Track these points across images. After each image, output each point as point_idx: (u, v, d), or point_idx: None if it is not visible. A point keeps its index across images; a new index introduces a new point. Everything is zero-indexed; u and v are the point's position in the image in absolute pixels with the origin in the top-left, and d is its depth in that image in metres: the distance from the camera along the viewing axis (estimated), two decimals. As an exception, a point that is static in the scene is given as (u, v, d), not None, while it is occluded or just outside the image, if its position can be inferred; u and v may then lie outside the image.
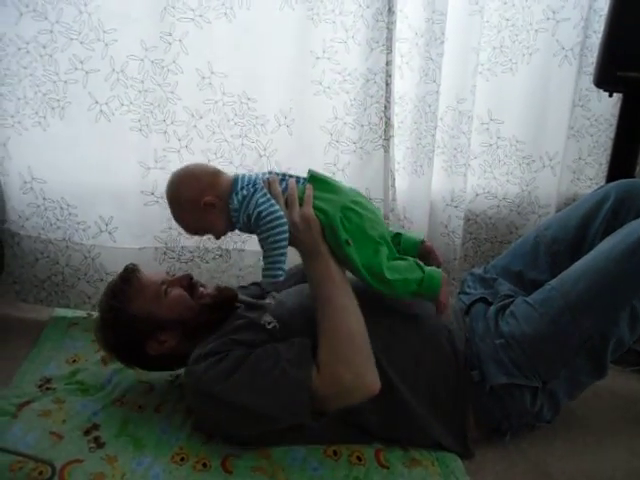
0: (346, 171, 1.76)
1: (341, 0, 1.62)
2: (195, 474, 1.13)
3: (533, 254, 1.45)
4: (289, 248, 1.14)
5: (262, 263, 1.14)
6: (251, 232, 1.19)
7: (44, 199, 1.65)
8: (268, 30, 1.60)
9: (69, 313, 1.76)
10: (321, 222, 1.15)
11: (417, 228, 1.88)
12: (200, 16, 1.55)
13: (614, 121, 1.87)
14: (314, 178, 1.22)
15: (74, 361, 1.51)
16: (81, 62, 1.54)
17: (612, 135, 1.86)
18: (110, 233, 1.69)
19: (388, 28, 1.62)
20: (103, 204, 1.67)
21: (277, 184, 1.17)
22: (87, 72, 1.55)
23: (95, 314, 1.72)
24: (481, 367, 1.23)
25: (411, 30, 1.73)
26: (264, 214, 1.12)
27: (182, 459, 1.17)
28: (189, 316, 1.25)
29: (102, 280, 1.70)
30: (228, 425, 1.17)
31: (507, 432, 1.26)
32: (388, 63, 1.65)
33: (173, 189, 1.20)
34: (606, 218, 1.36)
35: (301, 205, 1.16)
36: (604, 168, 1.97)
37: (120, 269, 1.30)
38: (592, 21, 1.82)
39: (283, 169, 1.71)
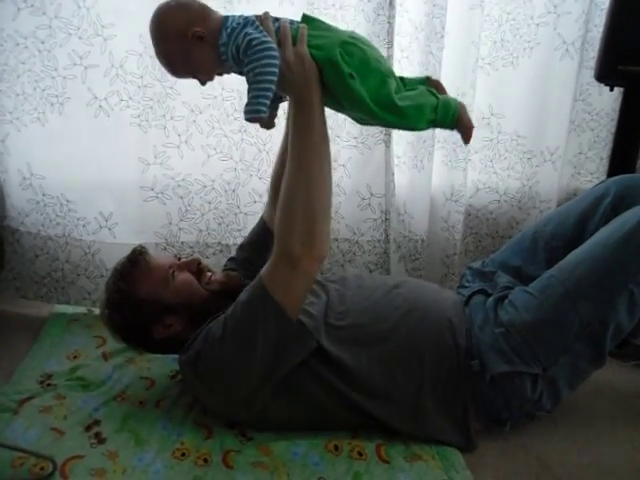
0: (347, 166, 1.75)
1: (341, -6, 1.61)
2: (196, 469, 1.13)
3: (532, 250, 1.45)
4: None
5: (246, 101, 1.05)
6: (240, 70, 1.08)
7: (43, 195, 1.65)
8: (268, 24, 1.60)
9: (69, 309, 1.76)
10: (319, 60, 1.06)
11: (417, 223, 1.88)
12: (199, 11, 1.55)
13: (615, 115, 1.86)
14: (308, 19, 1.12)
15: (75, 357, 1.51)
16: (80, 57, 1.54)
17: (613, 129, 1.86)
18: (110, 229, 1.69)
19: (389, 22, 1.62)
20: (103, 200, 1.67)
21: (270, 21, 1.07)
22: (86, 67, 1.55)
23: (95, 310, 1.73)
24: (481, 357, 1.22)
25: (411, 24, 1.72)
26: (254, 42, 1.02)
27: (183, 454, 1.17)
28: (195, 301, 1.25)
29: (102, 276, 1.70)
30: (230, 399, 1.18)
31: (507, 422, 1.25)
32: (388, 57, 1.64)
33: (159, 19, 1.08)
34: (605, 214, 1.36)
35: (294, 45, 1.06)
36: (605, 163, 1.97)
37: (120, 265, 1.30)
38: (593, 15, 1.81)
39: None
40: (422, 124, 1.10)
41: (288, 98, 1.16)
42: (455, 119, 1.10)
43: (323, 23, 1.13)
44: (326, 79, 1.07)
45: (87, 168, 1.64)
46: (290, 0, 1.59)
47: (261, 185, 1.73)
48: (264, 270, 1.14)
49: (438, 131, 1.82)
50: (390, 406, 1.21)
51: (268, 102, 1.02)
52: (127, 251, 1.29)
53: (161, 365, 1.47)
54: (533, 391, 1.21)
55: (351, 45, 1.07)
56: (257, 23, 1.06)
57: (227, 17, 1.09)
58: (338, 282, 1.37)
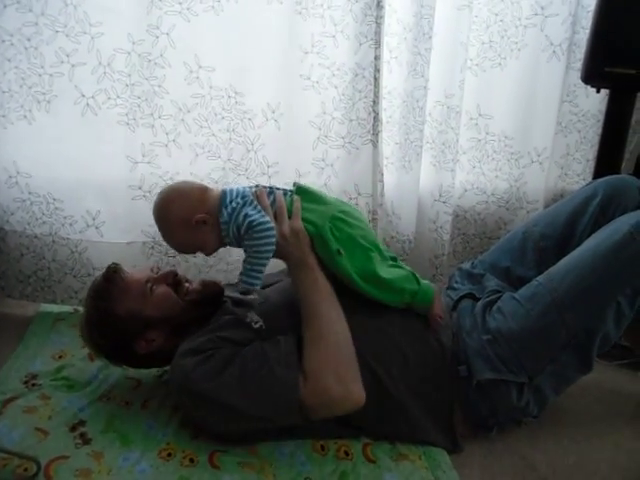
0: (335, 166, 1.75)
1: (329, -6, 1.61)
2: (182, 469, 1.12)
3: (521, 250, 1.45)
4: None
5: (241, 269, 1.15)
6: (239, 245, 1.18)
7: (30, 193, 1.64)
8: (256, 24, 1.60)
9: (55, 308, 1.75)
10: (310, 233, 1.17)
11: (405, 224, 1.88)
12: (187, 9, 1.54)
13: (601, 117, 1.88)
14: (301, 190, 1.23)
15: (60, 357, 1.50)
16: (67, 55, 1.53)
17: (599, 131, 1.87)
18: (97, 228, 1.68)
19: (377, 22, 1.62)
20: (90, 198, 1.66)
21: (265, 197, 1.18)
22: (73, 65, 1.54)
23: (82, 309, 1.71)
24: (468, 362, 1.23)
25: (400, 25, 1.73)
26: (255, 224, 1.13)
27: (169, 455, 1.16)
28: (176, 313, 1.24)
29: (89, 275, 1.69)
30: (216, 424, 1.17)
31: (493, 427, 1.26)
32: (377, 58, 1.65)
33: (163, 209, 1.19)
34: (594, 215, 1.36)
35: (290, 218, 1.17)
36: (591, 164, 1.98)
37: (107, 264, 1.29)
38: (580, 17, 1.83)
39: (271, 164, 1.71)
40: (398, 304, 1.23)
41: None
42: (429, 307, 1.23)
43: (315, 194, 1.24)
44: (316, 250, 1.19)
45: (74, 166, 1.63)
46: (279, 0, 1.58)
47: (249, 184, 1.72)
48: (303, 388, 1.10)
49: (427, 132, 1.83)
50: (375, 409, 1.21)
51: (262, 276, 1.15)
52: (114, 250, 1.28)
53: (148, 365, 1.47)
54: (519, 399, 1.21)
55: (340, 221, 1.19)
56: (255, 202, 1.17)
57: (225, 193, 1.19)
58: None
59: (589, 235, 1.32)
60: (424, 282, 1.24)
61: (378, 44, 1.64)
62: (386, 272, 1.20)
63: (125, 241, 1.69)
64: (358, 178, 1.76)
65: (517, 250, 1.46)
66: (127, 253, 1.67)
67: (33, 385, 1.36)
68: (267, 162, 1.71)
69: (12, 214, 1.65)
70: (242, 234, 1.15)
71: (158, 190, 1.65)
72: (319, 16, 1.62)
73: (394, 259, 1.30)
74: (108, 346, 1.27)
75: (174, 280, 1.28)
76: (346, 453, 1.19)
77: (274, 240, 1.14)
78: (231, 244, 1.21)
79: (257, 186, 1.23)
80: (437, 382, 1.23)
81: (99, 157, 1.63)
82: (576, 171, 2.03)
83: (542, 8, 1.79)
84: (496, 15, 1.81)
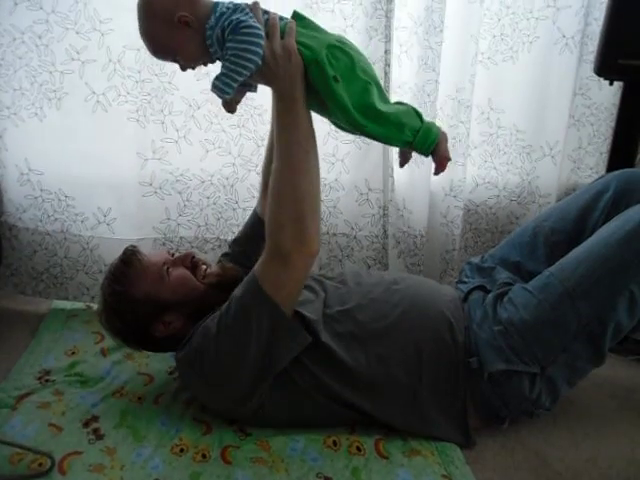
0: (345, 161, 1.75)
1: (340, -12, 1.60)
2: (195, 465, 1.13)
3: (531, 245, 1.44)
4: None
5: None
6: (221, 54, 1.05)
7: (41, 191, 1.65)
8: (266, 18, 1.59)
9: (68, 305, 1.76)
10: (305, 58, 1.05)
11: (416, 218, 1.87)
12: (197, 5, 1.54)
13: (615, 110, 1.86)
14: (298, 16, 1.12)
15: (73, 353, 1.51)
16: (77, 52, 1.54)
17: (612, 124, 1.85)
18: (108, 224, 1.69)
19: (387, 16, 1.61)
20: (101, 195, 1.67)
21: (259, 12, 1.06)
22: (83, 62, 1.55)
23: (94, 306, 1.73)
24: (479, 354, 1.22)
25: (410, 18, 1.71)
26: (241, 25, 1.01)
27: (182, 450, 1.17)
28: (193, 296, 1.24)
29: (101, 272, 1.70)
30: (224, 378, 1.17)
31: (506, 419, 1.25)
32: (387, 52, 1.64)
33: None
34: (605, 209, 1.35)
35: (282, 38, 1.05)
36: (604, 157, 1.96)
37: (119, 260, 1.30)
38: (593, 8, 1.80)
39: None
40: (397, 142, 1.11)
41: (272, 94, 1.15)
42: (431, 148, 1.10)
43: (312, 23, 1.12)
44: (310, 79, 1.06)
45: (85, 163, 1.64)
46: (288, -6, 1.58)
47: (259, 180, 1.72)
48: (257, 266, 1.14)
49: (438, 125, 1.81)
50: (389, 404, 1.21)
51: (236, 85, 1.02)
52: (126, 246, 1.28)
53: (160, 361, 1.47)
54: (531, 390, 1.21)
55: (338, 49, 1.07)
56: (247, 10, 1.05)
57: (217, 3, 1.07)
58: (336, 279, 1.37)
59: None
60: (428, 120, 1.13)
61: (388, 38, 1.63)
62: (385, 106, 1.09)
63: (136, 238, 1.69)
64: (369, 173, 1.76)
65: (528, 245, 1.45)
66: (138, 250, 1.67)
67: (47, 381, 1.37)
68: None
69: (24, 211, 1.66)
70: (226, 36, 1.02)
71: (169, 187, 1.67)
72: (329, 10, 1.61)
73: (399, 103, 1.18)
74: (125, 329, 1.26)
75: (192, 263, 1.28)
76: (358, 449, 1.19)
77: (259, 50, 1.01)
78: (214, 54, 1.07)
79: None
80: (450, 376, 1.23)
81: (110, 154, 1.63)
82: (589, 165, 2.01)
83: (554, 0, 1.77)
84: (507, 8, 1.79)
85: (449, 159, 1.12)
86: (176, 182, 1.68)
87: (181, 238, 1.73)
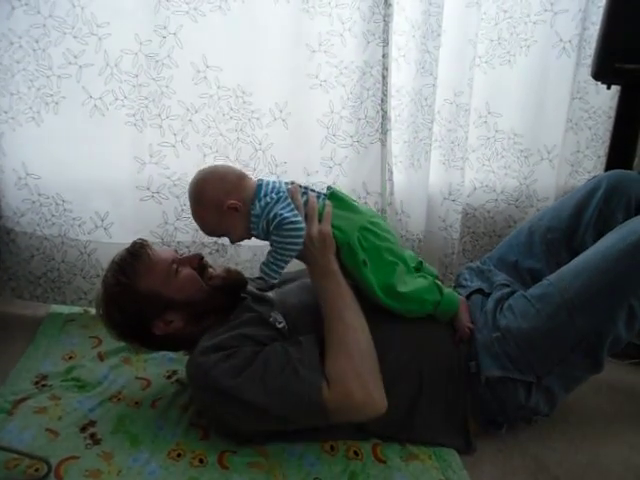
0: (343, 165, 1.75)
1: (337, -8, 1.61)
2: (192, 470, 1.12)
3: (528, 244, 1.44)
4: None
5: (264, 259, 1.16)
6: (266, 238, 1.18)
7: (39, 195, 1.64)
8: (263, 23, 1.59)
9: (65, 309, 1.76)
10: (338, 241, 1.17)
11: (415, 222, 1.87)
12: (195, 9, 1.54)
13: (612, 113, 1.86)
14: (334, 196, 1.23)
15: (70, 357, 1.50)
16: (75, 56, 1.54)
17: (610, 127, 1.85)
18: (106, 229, 1.68)
19: (385, 21, 1.61)
20: (98, 200, 1.67)
21: (299, 195, 1.18)
22: (81, 66, 1.55)
23: (92, 310, 1.72)
24: (477, 358, 1.22)
25: (408, 22, 1.72)
26: (285, 221, 1.12)
27: (179, 455, 1.16)
28: (198, 297, 1.23)
29: (98, 276, 1.70)
30: (233, 422, 1.16)
31: (503, 425, 1.25)
32: (385, 56, 1.64)
33: (197, 187, 1.19)
34: (599, 206, 1.36)
35: (320, 221, 1.16)
36: (602, 161, 1.96)
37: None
38: (590, 12, 1.80)
39: (279, 163, 1.70)
40: (419, 314, 1.24)
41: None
42: (452, 316, 1.25)
43: (347, 202, 1.23)
44: (342, 259, 1.18)
45: (83, 168, 1.63)
46: (286, -1, 1.58)
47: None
48: (332, 394, 1.09)
49: (436, 130, 1.82)
50: (389, 415, 1.19)
51: (281, 272, 1.16)
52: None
53: (157, 365, 1.47)
54: (527, 399, 1.20)
55: (368, 231, 1.19)
56: (289, 200, 1.16)
57: (261, 186, 1.18)
58: None
59: (594, 225, 1.35)
60: (448, 291, 1.24)
61: (386, 42, 1.63)
62: (406, 286, 1.19)
63: (134, 242, 1.69)
64: (367, 177, 1.76)
65: (524, 244, 1.45)
66: (136, 254, 1.67)
67: (43, 386, 1.37)
68: (275, 162, 1.71)
69: (22, 216, 1.66)
70: (271, 230, 1.14)
71: (166, 191, 1.67)
72: (326, 14, 1.62)
73: (420, 263, 1.31)
74: (124, 323, 1.23)
75: (199, 264, 1.27)
76: (356, 453, 1.18)
77: (302, 240, 1.13)
78: (258, 236, 1.20)
79: (292, 183, 1.21)
80: (450, 382, 1.23)
81: (107, 158, 1.63)
82: (587, 168, 2.01)
83: (551, 4, 1.77)
84: (505, 12, 1.79)
85: (471, 328, 1.25)
86: (173, 186, 1.68)
87: (178, 242, 1.73)
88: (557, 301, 1.19)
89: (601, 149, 1.97)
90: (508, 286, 1.34)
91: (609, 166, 1.78)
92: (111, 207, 1.67)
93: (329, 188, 1.25)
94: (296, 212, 1.15)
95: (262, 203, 1.15)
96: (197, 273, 1.25)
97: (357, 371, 1.10)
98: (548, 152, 1.91)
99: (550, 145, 1.90)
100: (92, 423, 1.24)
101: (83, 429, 1.22)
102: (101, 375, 1.42)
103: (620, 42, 1.61)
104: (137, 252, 1.23)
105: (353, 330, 1.15)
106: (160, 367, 1.46)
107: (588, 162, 2.01)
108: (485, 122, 1.90)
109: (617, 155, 1.77)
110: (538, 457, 1.24)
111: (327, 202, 1.20)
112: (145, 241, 1.26)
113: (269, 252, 1.15)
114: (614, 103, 1.83)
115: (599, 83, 1.75)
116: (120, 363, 1.47)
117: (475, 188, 1.96)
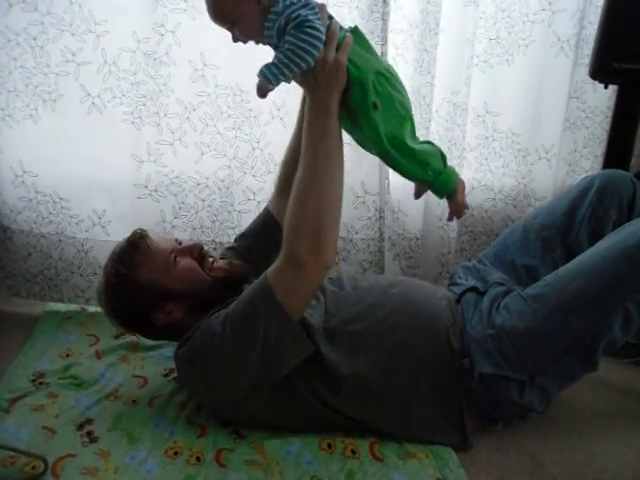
0: (341, 164, 1.74)
1: (336, -9, 1.61)
2: (189, 468, 1.12)
3: (524, 241, 1.45)
4: None
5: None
6: (275, 46, 1.07)
7: (36, 193, 1.64)
8: (262, 21, 1.59)
9: (62, 307, 1.76)
10: (351, 76, 1.06)
11: (412, 222, 1.87)
12: (193, 7, 1.54)
13: (609, 113, 1.86)
14: (356, 32, 1.12)
15: (67, 355, 1.50)
16: (72, 54, 1.53)
17: (607, 127, 1.85)
18: (103, 227, 1.68)
19: (383, 19, 1.61)
20: (96, 197, 1.67)
21: (325, 14, 1.07)
22: (79, 64, 1.54)
23: (89, 308, 1.72)
24: (471, 355, 1.22)
25: (405, 21, 1.71)
26: (308, 23, 1.01)
27: (176, 453, 1.16)
28: (198, 288, 1.23)
29: (95, 274, 1.70)
30: (227, 379, 1.15)
31: (499, 421, 1.25)
32: (383, 54, 1.63)
33: None
34: (592, 204, 1.37)
35: (337, 50, 1.06)
36: (600, 160, 1.96)
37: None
38: (588, 12, 1.80)
39: (277, 162, 1.69)
40: (417, 178, 1.16)
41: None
42: (448, 193, 1.17)
43: (368, 43, 1.13)
44: (350, 97, 1.08)
45: (80, 165, 1.63)
46: (284, -3, 1.58)
47: (255, 183, 1.72)
48: (270, 271, 1.12)
49: (433, 129, 1.82)
50: (387, 412, 1.21)
51: (283, 79, 1.02)
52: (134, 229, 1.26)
53: (155, 363, 1.47)
54: (520, 396, 1.20)
55: (384, 78, 1.09)
56: (317, 9, 1.04)
57: None
58: (334, 283, 1.37)
59: (588, 222, 1.36)
60: (450, 166, 1.17)
61: (384, 41, 1.63)
62: (414, 143, 1.12)
63: (131, 240, 1.68)
64: (365, 176, 1.76)
65: (520, 241, 1.45)
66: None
67: (40, 384, 1.37)
68: (273, 160, 1.71)
69: (19, 213, 1.66)
70: (288, 28, 1.02)
71: (164, 189, 1.67)
72: (325, 13, 1.62)
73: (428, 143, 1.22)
74: (124, 312, 1.24)
75: (199, 254, 1.26)
76: (353, 451, 1.18)
77: (318, 49, 1.02)
78: (268, 40, 1.08)
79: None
80: (446, 379, 1.23)
81: (105, 156, 1.63)
82: (584, 168, 2.01)
83: (549, 3, 1.77)
84: (503, 11, 1.79)
85: (467, 207, 1.20)
86: (171, 184, 1.68)
87: (176, 241, 1.73)
88: (553, 302, 1.19)
89: (598, 149, 1.97)
90: (503, 285, 1.35)
91: (606, 166, 1.78)
92: (108, 205, 1.67)
93: (354, 26, 1.13)
94: (321, 22, 1.03)
95: (287, 3, 1.03)
96: (197, 263, 1.25)
97: (307, 227, 1.06)
98: (546, 152, 1.91)
99: (548, 145, 1.90)
100: (89, 421, 1.24)
101: (80, 427, 1.22)
102: (98, 373, 1.42)
103: (618, 42, 1.61)
104: (136, 243, 1.23)
105: (318, 181, 1.08)
106: (158, 365, 1.46)
107: (585, 162, 2.01)
108: (483, 121, 1.90)
109: (614, 155, 1.77)
110: (535, 455, 1.24)
111: (348, 34, 1.09)
112: (145, 231, 1.26)
113: (276, 54, 1.04)
114: (611, 103, 1.83)
115: (596, 82, 1.75)
116: (117, 361, 1.48)
117: (473, 187, 1.96)
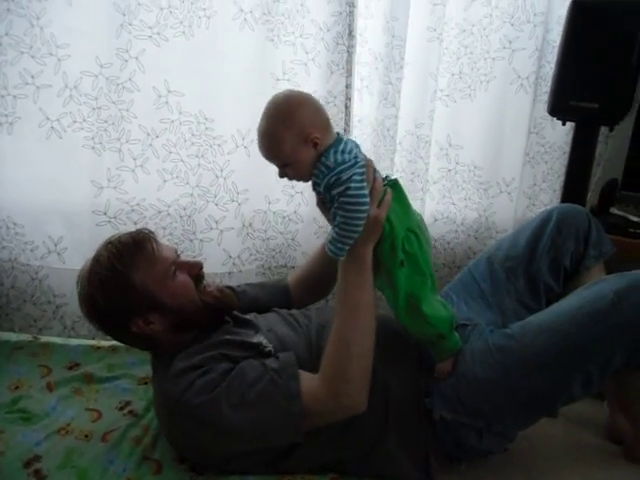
0: (304, 193, 1.74)
1: (301, 23, 1.62)
2: (142, 507, 1.08)
3: (488, 271, 1.47)
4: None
5: (328, 236, 1.12)
6: (318, 192, 1.13)
7: (-10, 217, 1.59)
8: (227, 50, 1.59)
9: (13, 337, 1.67)
10: (384, 233, 1.12)
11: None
12: (158, 34, 1.53)
13: (567, 149, 1.91)
14: (396, 187, 1.17)
15: (17, 387, 1.44)
16: (32, 77, 1.50)
17: (565, 162, 1.90)
18: (59, 254, 1.63)
19: (348, 52, 1.64)
20: (52, 223, 1.62)
21: (372, 171, 1.12)
22: (38, 87, 1.51)
23: (41, 338, 1.66)
24: (431, 396, 1.21)
25: (371, 54, 1.74)
26: (352, 193, 1.07)
27: (129, 491, 1.11)
28: (188, 308, 1.18)
29: (49, 302, 1.64)
30: (207, 443, 1.11)
31: (462, 461, 1.24)
32: (348, 86, 1.65)
33: (291, 107, 1.09)
34: (552, 235, 1.41)
35: (378, 206, 1.11)
36: (558, 194, 2.00)
37: (69, 292, 1.23)
38: (546, 51, 1.86)
39: (240, 190, 1.69)
40: (418, 336, 1.21)
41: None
42: (443, 357, 1.21)
43: (405, 198, 1.18)
44: (379, 251, 1.14)
45: (37, 190, 1.59)
46: (251, 27, 1.58)
47: (217, 211, 1.70)
48: (307, 394, 1.08)
49: (397, 160, 1.84)
50: (350, 447, 1.18)
51: (347, 249, 1.10)
52: (77, 277, 1.21)
53: (109, 396, 1.42)
54: (479, 441, 1.20)
55: (414, 235, 1.15)
56: (364, 170, 1.10)
57: (341, 140, 1.12)
58: (302, 312, 1.37)
59: (548, 253, 1.39)
60: (456, 335, 1.21)
61: (349, 73, 1.65)
62: (429, 306, 1.15)
63: (88, 267, 1.64)
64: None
65: (485, 271, 1.47)
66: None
67: (-14, 418, 1.30)
68: (236, 189, 1.69)
69: (-30, 239, 1.60)
70: (335, 191, 1.08)
71: (124, 216, 1.64)
72: (290, 44, 1.63)
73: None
74: (104, 310, 1.15)
75: (198, 274, 1.22)
76: (313, 489, 1.15)
77: (364, 217, 1.08)
78: (315, 185, 1.13)
79: (359, 149, 1.15)
80: (413, 416, 1.21)
81: (63, 181, 1.59)
82: (543, 201, 2.05)
83: (510, 42, 1.82)
84: (466, 47, 1.83)
85: (450, 374, 1.21)
86: (132, 212, 1.64)
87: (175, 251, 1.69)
88: (516, 357, 1.18)
89: (557, 183, 2.02)
90: (467, 326, 1.32)
91: (564, 200, 1.82)
92: (65, 232, 1.63)
93: (394, 178, 1.19)
94: (365, 186, 1.09)
95: (338, 157, 1.08)
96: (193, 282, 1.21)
97: (353, 372, 1.10)
98: (507, 185, 1.95)
99: (509, 178, 1.94)
100: (37, 458, 1.18)
101: (27, 464, 1.16)
102: (49, 406, 1.36)
103: (574, 81, 1.66)
104: (142, 243, 1.17)
105: (364, 326, 1.13)
106: (112, 398, 1.41)
107: (544, 195, 2.05)
108: (446, 154, 1.93)
109: (572, 189, 1.81)
110: (496, 491, 1.23)
111: (388, 190, 1.14)
112: (152, 232, 1.20)
113: (334, 229, 1.10)
114: (569, 139, 1.88)
115: (555, 119, 1.80)
116: (70, 394, 1.42)
117: (435, 219, 1.98)
